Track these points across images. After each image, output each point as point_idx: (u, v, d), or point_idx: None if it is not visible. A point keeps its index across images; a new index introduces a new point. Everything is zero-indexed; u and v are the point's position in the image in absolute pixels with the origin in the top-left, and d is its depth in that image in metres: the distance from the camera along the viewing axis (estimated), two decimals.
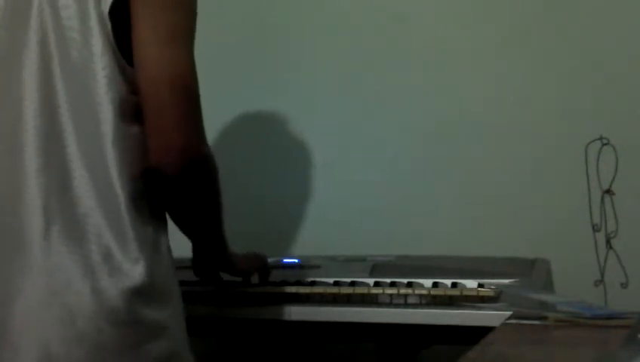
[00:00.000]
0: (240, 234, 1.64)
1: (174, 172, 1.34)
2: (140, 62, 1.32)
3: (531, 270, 1.77)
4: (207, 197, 1.45)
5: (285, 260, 1.90)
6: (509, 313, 1.39)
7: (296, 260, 1.92)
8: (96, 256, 1.30)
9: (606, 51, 2.02)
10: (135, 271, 1.30)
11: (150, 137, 1.34)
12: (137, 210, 1.33)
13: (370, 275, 1.73)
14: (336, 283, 1.69)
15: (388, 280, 1.68)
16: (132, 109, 1.34)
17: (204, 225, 1.50)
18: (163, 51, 1.32)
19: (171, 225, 1.44)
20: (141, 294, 1.31)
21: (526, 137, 2.08)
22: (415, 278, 1.67)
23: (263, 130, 2.28)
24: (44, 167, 1.32)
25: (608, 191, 1.93)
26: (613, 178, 1.93)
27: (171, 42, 1.32)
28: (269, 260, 1.75)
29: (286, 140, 2.26)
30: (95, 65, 1.33)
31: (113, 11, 1.32)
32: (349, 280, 1.70)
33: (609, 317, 1.33)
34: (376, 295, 1.62)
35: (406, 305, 1.58)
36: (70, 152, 1.32)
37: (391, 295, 1.61)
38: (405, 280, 1.67)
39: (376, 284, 1.67)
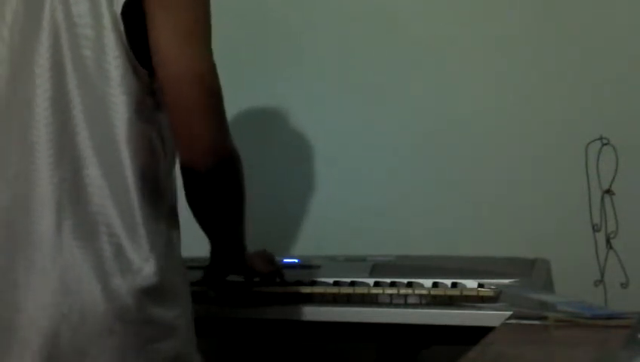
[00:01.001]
0: None
1: (205, 169, 1.35)
2: (161, 63, 1.32)
3: (531, 270, 1.77)
4: (234, 193, 1.45)
5: (285, 260, 1.90)
6: (509, 313, 1.39)
7: (296, 260, 1.92)
8: (108, 254, 1.30)
9: (606, 51, 2.02)
10: (146, 270, 1.30)
11: (178, 137, 1.34)
12: (150, 208, 1.33)
13: (370, 275, 1.73)
14: (336, 283, 1.69)
15: (388, 280, 1.68)
16: (144, 109, 1.34)
17: (228, 222, 1.51)
18: (184, 51, 1.32)
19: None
20: (152, 293, 1.31)
21: (526, 137, 2.08)
22: (415, 278, 1.67)
23: (264, 128, 2.28)
24: (57, 163, 1.32)
25: (608, 191, 1.93)
26: (613, 178, 1.93)
27: (190, 41, 1.33)
28: None
29: (286, 139, 2.26)
30: (108, 64, 1.33)
31: (126, 12, 1.32)
32: (349, 280, 1.70)
33: (609, 317, 1.33)
34: (376, 295, 1.62)
35: (406, 305, 1.58)
36: (83, 149, 1.32)
37: (391, 295, 1.61)
38: (405, 280, 1.67)
39: (376, 284, 1.67)
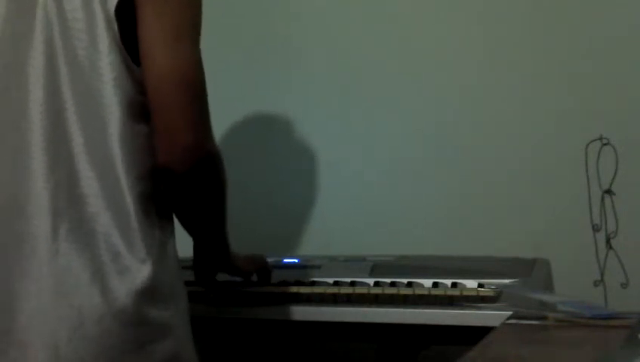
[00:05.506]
0: (240, 234, 1.64)
1: (182, 170, 1.34)
2: (146, 61, 1.32)
3: (531, 270, 1.77)
4: (213, 195, 1.45)
5: (285, 260, 1.90)
6: (509, 313, 1.39)
7: (296, 260, 1.91)
8: (105, 257, 1.29)
9: (606, 51, 2.02)
10: (143, 272, 1.30)
11: (158, 136, 1.33)
12: (145, 210, 1.33)
13: (370, 275, 1.73)
14: (336, 283, 1.69)
15: (388, 280, 1.68)
16: (139, 109, 1.34)
17: (209, 223, 1.50)
18: (169, 50, 1.31)
19: (176, 224, 1.44)
20: (149, 294, 1.30)
21: (526, 137, 2.07)
22: (415, 278, 1.67)
23: (264, 130, 2.28)
24: (51, 167, 1.31)
25: (608, 191, 1.93)
26: (613, 178, 1.93)
27: (177, 41, 1.32)
28: (269, 260, 1.75)
29: (286, 141, 2.26)
30: (102, 63, 1.32)
31: (119, 11, 1.31)
32: (349, 280, 1.70)
33: (609, 317, 1.33)
34: (376, 295, 1.62)
35: (406, 305, 1.58)
36: (77, 152, 1.31)
37: (391, 295, 1.61)
38: (405, 280, 1.67)
39: (376, 284, 1.67)
